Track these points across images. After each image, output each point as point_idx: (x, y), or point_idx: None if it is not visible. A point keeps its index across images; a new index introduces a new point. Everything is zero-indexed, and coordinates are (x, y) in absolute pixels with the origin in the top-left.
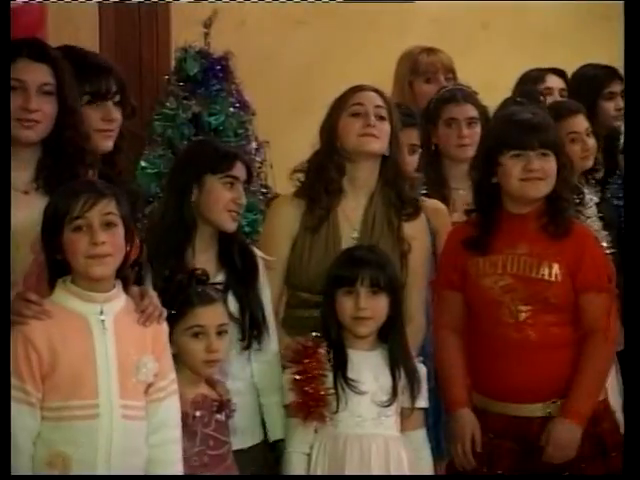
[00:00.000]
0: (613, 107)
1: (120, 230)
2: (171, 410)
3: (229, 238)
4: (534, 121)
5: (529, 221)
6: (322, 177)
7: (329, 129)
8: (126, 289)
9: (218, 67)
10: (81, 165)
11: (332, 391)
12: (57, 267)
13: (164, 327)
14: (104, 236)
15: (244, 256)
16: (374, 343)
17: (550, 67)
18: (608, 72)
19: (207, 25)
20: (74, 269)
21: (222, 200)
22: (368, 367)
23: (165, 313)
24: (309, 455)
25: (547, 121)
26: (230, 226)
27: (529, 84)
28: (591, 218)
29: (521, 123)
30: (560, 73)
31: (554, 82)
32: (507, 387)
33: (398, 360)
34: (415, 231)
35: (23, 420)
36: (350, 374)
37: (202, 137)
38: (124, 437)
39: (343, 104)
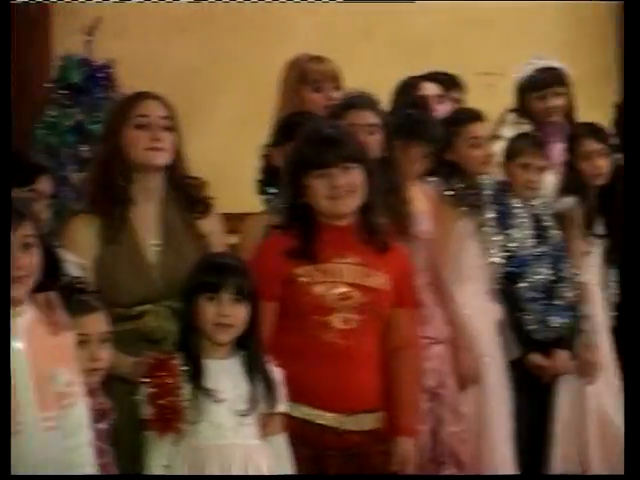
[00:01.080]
0: (543, 105)
1: (35, 251)
2: (83, 413)
3: None
4: (333, 137)
5: (350, 233)
6: (110, 188)
7: (113, 139)
8: (32, 300)
9: (101, 75)
10: None
11: (189, 402)
12: None
13: (71, 333)
14: (23, 259)
15: (48, 264)
16: (230, 351)
17: (425, 74)
18: (555, 74)
19: (89, 33)
20: None
21: None
22: (226, 376)
23: (69, 320)
24: (169, 468)
25: (346, 133)
26: None
27: (405, 93)
28: None
29: (320, 141)
30: (437, 79)
31: (429, 89)
32: (327, 395)
33: (255, 367)
34: (210, 226)
35: None
36: (208, 383)
37: None
38: (46, 449)
39: (127, 114)
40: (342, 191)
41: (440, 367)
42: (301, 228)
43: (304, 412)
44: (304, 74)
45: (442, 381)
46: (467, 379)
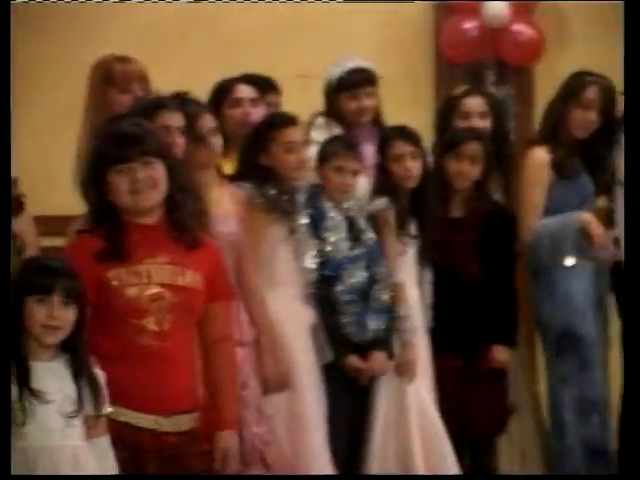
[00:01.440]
0: (355, 105)
1: None
2: None
3: None
4: (130, 132)
5: (159, 231)
6: None
7: None
8: None
9: None
10: None
11: (17, 404)
12: None
13: None
14: None
15: None
16: (56, 353)
17: (241, 76)
18: (365, 74)
19: None
20: None
21: None
22: (52, 377)
23: None
24: None
25: (145, 129)
26: None
27: (220, 95)
28: None
29: (118, 137)
30: (252, 82)
31: (244, 92)
32: (144, 397)
33: (81, 370)
34: (23, 225)
35: None
36: (34, 385)
37: None
38: None
39: None
40: (143, 185)
41: (243, 369)
42: (108, 229)
43: (123, 415)
44: (109, 75)
45: (245, 383)
46: (272, 382)
